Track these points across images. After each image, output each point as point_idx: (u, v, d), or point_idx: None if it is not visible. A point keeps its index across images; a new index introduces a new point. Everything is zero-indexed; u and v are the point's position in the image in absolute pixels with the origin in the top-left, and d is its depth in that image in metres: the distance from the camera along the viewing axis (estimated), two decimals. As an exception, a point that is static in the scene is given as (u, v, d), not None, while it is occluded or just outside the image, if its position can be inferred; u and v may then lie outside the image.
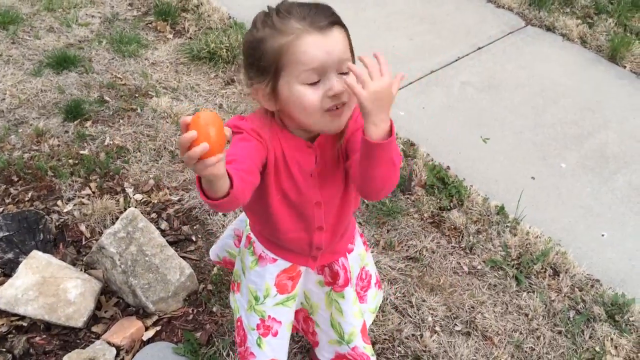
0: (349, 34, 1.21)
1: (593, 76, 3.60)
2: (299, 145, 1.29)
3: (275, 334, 1.53)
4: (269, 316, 1.52)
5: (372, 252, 2.39)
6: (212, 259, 1.94)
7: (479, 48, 3.74)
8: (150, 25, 3.62)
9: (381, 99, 1.06)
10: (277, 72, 1.17)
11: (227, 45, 3.39)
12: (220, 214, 2.50)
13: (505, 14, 4.10)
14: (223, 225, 2.45)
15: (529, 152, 3.03)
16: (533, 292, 2.35)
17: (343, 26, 1.19)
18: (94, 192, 2.49)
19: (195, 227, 2.45)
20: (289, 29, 1.14)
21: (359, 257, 1.62)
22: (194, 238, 2.39)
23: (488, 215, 2.64)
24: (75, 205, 2.43)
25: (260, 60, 1.18)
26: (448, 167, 2.88)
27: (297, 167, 1.30)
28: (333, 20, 1.16)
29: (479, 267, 2.44)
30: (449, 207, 2.67)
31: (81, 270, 2.15)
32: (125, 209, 2.40)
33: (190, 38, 3.55)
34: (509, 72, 3.57)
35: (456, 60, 3.62)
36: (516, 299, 2.32)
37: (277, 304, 1.52)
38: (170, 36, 3.56)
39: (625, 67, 3.69)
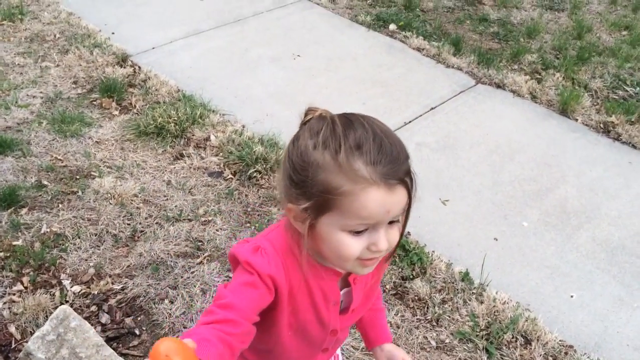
0: (412, 181, 1.02)
1: (546, 131, 3.61)
2: (324, 275, 1.14)
3: None
4: None
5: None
6: None
7: (432, 108, 3.73)
8: (95, 103, 3.51)
9: None
10: (323, 209, 0.99)
11: (176, 118, 3.30)
12: (166, 302, 2.31)
13: (455, 73, 4.14)
14: (170, 315, 2.26)
15: (490, 212, 2.96)
16: (505, 364, 2.21)
17: (410, 175, 1.01)
18: (26, 288, 2.28)
19: (139, 319, 2.25)
20: (355, 176, 0.95)
21: None
22: (137, 331, 2.19)
23: (453, 283, 2.52)
24: (5, 303, 2.21)
25: (307, 186, 0.99)
26: (408, 233, 2.77)
27: (322, 298, 1.15)
28: (403, 175, 0.98)
29: (447, 340, 2.30)
30: (411, 277, 2.54)
31: (8, 379, 1.93)
32: (62, 303, 2.20)
33: (137, 113, 3.44)
34: (463, 130, 3.55)
35: (410, 121, 3.59)
36: (488, 374, 2.18)
37: None
38: (117, 112, 3.45)
39: (577, 120, 3.72)
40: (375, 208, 0.97)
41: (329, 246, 1.04)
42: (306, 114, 1.06)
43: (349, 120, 1.01)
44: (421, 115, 3.66)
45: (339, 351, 1.54)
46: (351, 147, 0.96)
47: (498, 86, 4.02)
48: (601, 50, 4.58)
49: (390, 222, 1.03)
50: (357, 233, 1.00)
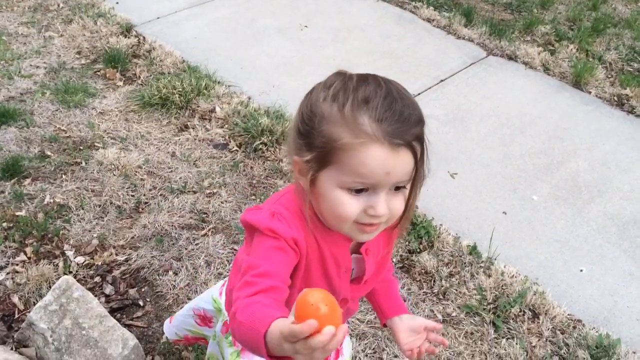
0: (423, 149, 1.00)
1: (559, 103, 3.53)
2: (336, 240, 1.11)
3: None
4: None
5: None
6: (170, 338, 1.75)
7: (442, 80, 3.65)
8: (98, 73, 3.46)
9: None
10: (325, 161, 0.97)
11: (180, 89, 3.24)
12: (170, 273, 2.29)
13: (466, 45, 4.04)
14: (174, 286, 2.25)
15: (499, 186, 2.90)
16: (512, 338, 2.18)
17: (421, 142, 0.98)
18: (29, 258, 2.27)
19: (143, 290, 2.24)
20: (357, 128, 0.92)
21: None
22: (141, 302, 2.18)
23: (460, 256, 2.48)
24: (7, 274, 2.20)
25: (311, 136, 0.98)
26: (416, 206, 2.72)
27: (333, 263, 1.13)
28: (411, 139, 0.95)
29: (453, 314, 2.27)
30: (418, 250, 2.51)
31: (12, 349, 1.92)
32: (66, 274, 2.19)
33: (142, 84, 3.39)
34: (473, 103, 3.47)
35: (419, 94, 3.52)
36: (495, 348, 2.15)
37: None
38: (121, 83, 3.40)
39: (590, 92, 3.63)
40: (375, 166, 0.93)
41: (326, 204, 1.01)
42: None
43: (365, 77, 0.99)
44: (431, 88, 3.59)
45: (347, 341, 1.51)
46: (359, 100, 0.94)
47: (510, 58, 3.92)
48: (616, 22, 4.46)
49: (396, 189, 0.99)
50: (356, 193, 0.97)
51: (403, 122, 0.94)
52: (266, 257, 0.99)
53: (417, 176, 1.01)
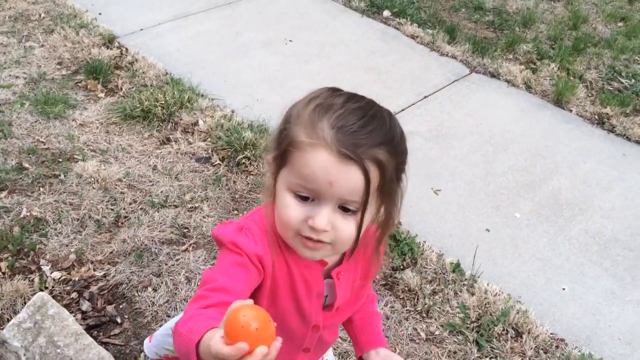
0: (384, 174, 0.95)
1: (540, 121, 3.56)
2: (307, 263, 1.08)
3: None
4: None
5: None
6: (149, 356, 1.71)
7: (425, 97, 3.67)
8: (80, 85, 3.41)
9: None
10: (283, 159, 0.98)
11: (163, 102, 3.21)
12: (150, 289, 2.25)
13: (449, 62, 4.07)
14: (153, 303, 2.20)
15: (482, 203, 2.91)
16: (496, 357, 2.17)
17: (380, 167, 0.94)
18: (4, 273, 2.20)
19: (121, 307, 2.19)
20: (313, 131, 0.93)
21: None
22: (119, 319, 2.13)
23: (443, 274, 2.47)
24: (-19, 289, 2.14)
25: (280, 134, 1.00)
26: (399, 223, 2.72)
27: (303, 286, 1.10)
28: (365, 157, 0.92)
29: (436, 332, 2.25)
30: (402, 267, 2.49)
31: (-17, 367, 1.86)
32: (42, 290, 2.14)
33: (124, 96, 3.35)
34: (456, 120, 3.49)
35: (403, 110, 3.52)
36: (478, 367, 2.13)
37: None
38: (102, 95, 3.35)
39: (571, 110, 3.67)
40: (317, 170, 0.92)
41: (276, 208, 1.00)
42: None
43: (349, 92, 1.00)
44: (414, 104, 3.60)
45: (332, 358, 1.47)
46: (325, 106, 0.95)
47: (492, 75, 3.96)
48: (597, 41, 4.53)
49: (346, 211, 0.97)
50: (302, 200, 0.97)
51: (361, 137, 0.92)
52: (225, 272, 0.97)
53: (366, 202, 0.96)
